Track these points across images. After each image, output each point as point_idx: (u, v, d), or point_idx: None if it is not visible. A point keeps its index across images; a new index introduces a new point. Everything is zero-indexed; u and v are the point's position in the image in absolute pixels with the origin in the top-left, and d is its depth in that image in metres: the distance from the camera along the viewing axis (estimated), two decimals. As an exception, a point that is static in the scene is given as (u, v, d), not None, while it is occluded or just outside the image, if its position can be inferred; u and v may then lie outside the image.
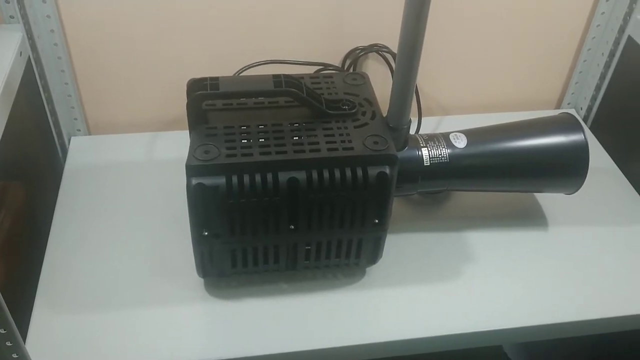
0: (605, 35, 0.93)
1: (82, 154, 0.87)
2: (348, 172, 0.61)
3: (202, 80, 0.63)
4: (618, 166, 0.90)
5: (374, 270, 0.72)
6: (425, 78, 0.94)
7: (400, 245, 0.75)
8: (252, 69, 0.84)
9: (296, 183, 0.60)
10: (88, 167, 0.84)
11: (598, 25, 0.92)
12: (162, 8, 0.81)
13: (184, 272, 0.70)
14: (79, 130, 0.89)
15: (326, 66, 0.88)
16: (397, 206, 0.80)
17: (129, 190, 0.81)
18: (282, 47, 0.87)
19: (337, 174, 0.60)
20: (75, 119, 0.88)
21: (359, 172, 0.61)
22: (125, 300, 0.68)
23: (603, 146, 0.94)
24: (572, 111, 1.01)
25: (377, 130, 0.64)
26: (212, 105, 0.65)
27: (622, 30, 0.89)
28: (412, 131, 0.71)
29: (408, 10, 0.58)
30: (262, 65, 0.84)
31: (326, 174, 0.60)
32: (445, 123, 0.96)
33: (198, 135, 0.62)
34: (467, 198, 0.82)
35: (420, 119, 0.88)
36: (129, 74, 0.86)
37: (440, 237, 0.77)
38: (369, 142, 0.62)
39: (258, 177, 0.59)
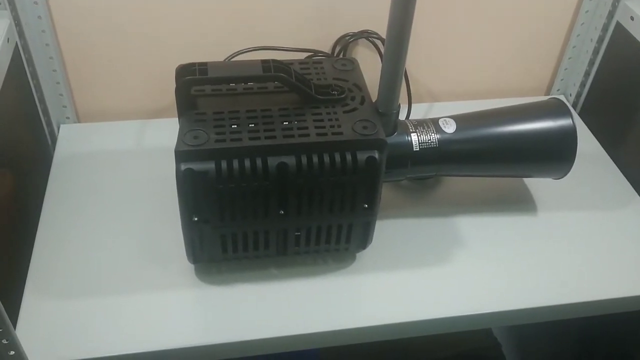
0: (594, 21, 0.93)
1: (71, 141, 0.86)
2: (337, 157, 0.61)
3: (191, 65, 0.63)
4: (606, 151, 0.91)
5: (364, 255, 0.73)
6: (415, 65, 0.94)
7: (389, 231, 0.76)
8: (241, 55, 0.84)
9: (285, 168, 0.60)
10: (78, 154, 0.84)
11: (587, 12, 0.92)
12: (150, -6, 0.81)
13: (175, 258, 0.70)
14: (68, 117, 0.89)
15: (316, 52, 0.88)
16: (387, 192, 0.80)
17: (119, 177, 0.81)
18: (271, 33, 0.86)
19: (327, 158, 0.61)
20: (64, 106, 0.88)
21: (348, 157, 0.61)
22: (116, 287, 0.68)
23: (592, 131, 0.94)
24: (562, 97, 1.02)
25: (366, 115, 0.64)
26: (201, 90, 0.65)
27: (610, 16, 0.90)
28: (401, 117, 0.71)
29: (396, -5, 0.58)
30: (251, 52, 0.84)
31: (315, 159, 0.60)
32: (435, 109, 0.96)
33: (187, 121, 0.62)
34: (456, 183, 0.83)
35: (410, 105, 0.89)
36: (118, 61, 0.86)
37: (430, 223, 0.77)
38: (358, 127, 0.62)
39: (247, 162, 0.59)
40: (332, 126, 0.62)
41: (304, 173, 0.60)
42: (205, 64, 0.63)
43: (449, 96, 1.00)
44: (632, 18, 0.86)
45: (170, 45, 0.85)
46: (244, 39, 0.85)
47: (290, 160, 0.60)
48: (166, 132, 0.88)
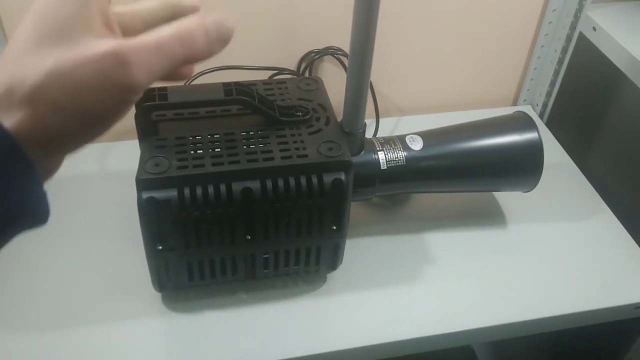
0: (557, 32, 0.94)
1: (32, 167, 0.84)
2: (303, 180, 0.60)
3: (151, 90, 0.61)
4: (574, 161, 0.91)
5: (335, 276, 0.72)
6: (382, 79, 0.93)
7: (360, 249, 0.75)
8: (204, 75, 0.83)
9: (250, 193, 0.59)
10: (39, 181, 0.82)
11: (550, 22, 0.93)
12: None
13: (141, 286, 0.68)
14: (29, 143, 0.86)
15: (281, 70, 0.87)
16: (356, 210, 0.80)
17: (82, 203, 0.79)
18: (235, 52, 0.85)
19: (292, 182, 0.60)
20: (24, 131, 0.85)
21: (314, 180, 0.60)
22: (81, 319, 0.66)
23: (559, 142, 0.95)
24: (528, 108, 1.02)
25: (331, 136, 0.63)
26: (162, 115, 0.64)
27: (573, 26, 0.90)
28: (370, 133, 0.71)
29: (357, 12, 0.58)
30: (214, 72, 0.83)
31: (281, 183, 0.59)
32: (403, 124, 0.96)
33: (148, 148, 0.60)
34: (425, 199, 0.82)
35: (378, 120, 0.88)
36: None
37: (401, 240, 0.77)
38: (324, 148, 0.61)
39: (211, 189, 0.58)
40: (297, 148, 0.61)
41: (269, 197, 0.59)
42: (165, 88, 0.61)
43: (417, 109, 0.99)
44: (594, 29, 0.87)
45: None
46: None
47: (255, 185, 0.59)
48: (129, 155, 0.85)
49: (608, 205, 0.84)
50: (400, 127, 0.95)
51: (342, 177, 0.60)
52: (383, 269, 0.73)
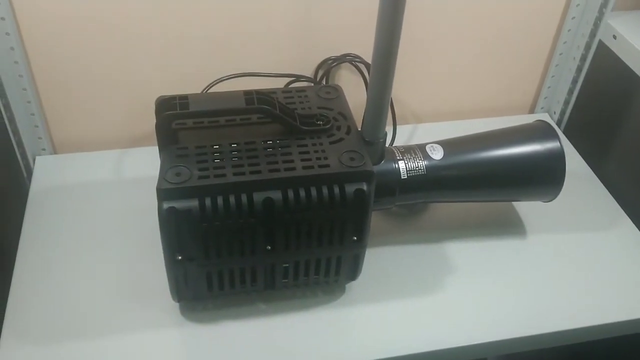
0: (576, 39, 0.93)
1: (48, 174, 0.84)
2: (325, 190, 0.59)
3: (172, 99, 0.61)
4: (592, 169, 0.90)
5: (354, 287, 0.71)
6: (399, 86, 0.93)
7: (379, 259, 0.74)
8: (221, 83, 0.82)
9: (272, 203, 0.58)
10: (55, 187, 0.81)
11: (569, 30, 0.92)
12: (124, 23, 0.78)
13: (158, 295, 0.68)
14: (44, 149, 0.86)
15: (298, 77, 0.86)
16: (375, 219, 0.78)
17: (99, 210, 0.78)
18: (251, 59, 0.85)
19: (314, 192, 0.59)
20: (40, 138, 0.85)
21: (336, 190, 0.59)
22: (98, 328, 0.65)
23: (577, 150, 0.94)
24: (546, 115, 1.01)
25: (352, 146, 0.62)
26: (182, 124, 0.63)
27: (592, 34, 0.89)
28: (387, 141, 0.70)
29: (381, 23, 0.57)
30: (232, 79, 0.82)
31: (302, 193, 0.59)
32: (420, 131, 0.95)
33: (168, 157, 0.59)
34: (444, 208, 0.82)
35: (395, 128, 0.87)
36: (94, 90, 0.84)
37: (420, 250, 0.76)
38: (345, 158, 0.61)
39: (232, 199, 0.57)
40: (318, 158, 0.60)
41: (290, 208, 0.59)
42: (186, 97, 0.61)
43: (433, 116, 0.98)
44: (614, 37, 0.86)
45: (147, 71, 0.83)
46: (224, 64, 0.84)
47: (277, 195, 0.58)
48: (146, 161, 0.85)
49: (627, 215, 0.83)
50: (416, 134, 0.94)
51: (364, 187, 0.60)
52: (402, 280, 0.72)
